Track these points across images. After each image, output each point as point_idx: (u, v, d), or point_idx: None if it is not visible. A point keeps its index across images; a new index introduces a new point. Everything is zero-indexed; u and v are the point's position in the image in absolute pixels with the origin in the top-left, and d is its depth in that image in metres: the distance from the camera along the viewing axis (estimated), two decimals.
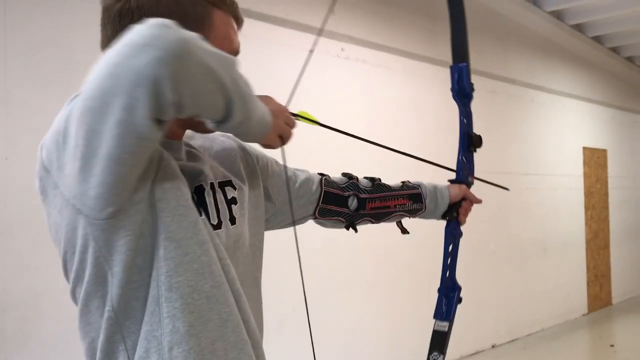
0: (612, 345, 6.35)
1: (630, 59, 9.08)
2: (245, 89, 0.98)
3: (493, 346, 5.96)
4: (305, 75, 1.28)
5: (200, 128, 1.15)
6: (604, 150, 8.46)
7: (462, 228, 1.71)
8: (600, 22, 7.47)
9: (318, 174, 1.49)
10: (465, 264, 4.89)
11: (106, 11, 1.07)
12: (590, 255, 7.93)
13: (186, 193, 1.03)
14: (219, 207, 1.13)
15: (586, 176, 7.92)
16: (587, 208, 7.89)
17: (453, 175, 1.73)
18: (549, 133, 7.11)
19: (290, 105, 1.20)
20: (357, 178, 1.55)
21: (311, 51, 1.31)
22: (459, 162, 1.72)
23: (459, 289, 1.68)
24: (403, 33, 4.93)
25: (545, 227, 6.93)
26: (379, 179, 1.59)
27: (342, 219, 1.50)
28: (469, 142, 1.72)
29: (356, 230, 1.55)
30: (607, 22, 7.44)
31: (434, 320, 1.67)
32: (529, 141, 6.71)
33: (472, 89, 1.73)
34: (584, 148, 7.92)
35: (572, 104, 7.67)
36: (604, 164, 8.46)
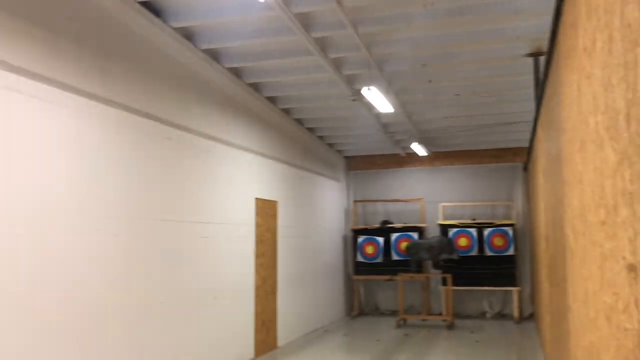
0: None
1: (299, 121, 10.10)
2: None
3: None
4: None
5: None
6: (275, 202, 9.12)
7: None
8: (274, 84, 8.12)
9: None
10: (129, 317, 4.59)
11: None
12: (259, 301, 8.34)
13: None
14: None
15: (258, 225, 8.39)
16: (257, 256, 8.32)
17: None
18: (223, 183, 7.34)
19: None
20: None
21: None
22: None
23: None
24: (71, 66, 4.54)
25: (217, 276, 7.05)
26: None
27: None
28: None
29: None
30: (280, 85, 8.13)
31: None
32: (204, 190, 6.81)
33: None
34: (257, 199, 8.40)
35: (247, 157, 8.11)
36: (275, 214, 9.10)
